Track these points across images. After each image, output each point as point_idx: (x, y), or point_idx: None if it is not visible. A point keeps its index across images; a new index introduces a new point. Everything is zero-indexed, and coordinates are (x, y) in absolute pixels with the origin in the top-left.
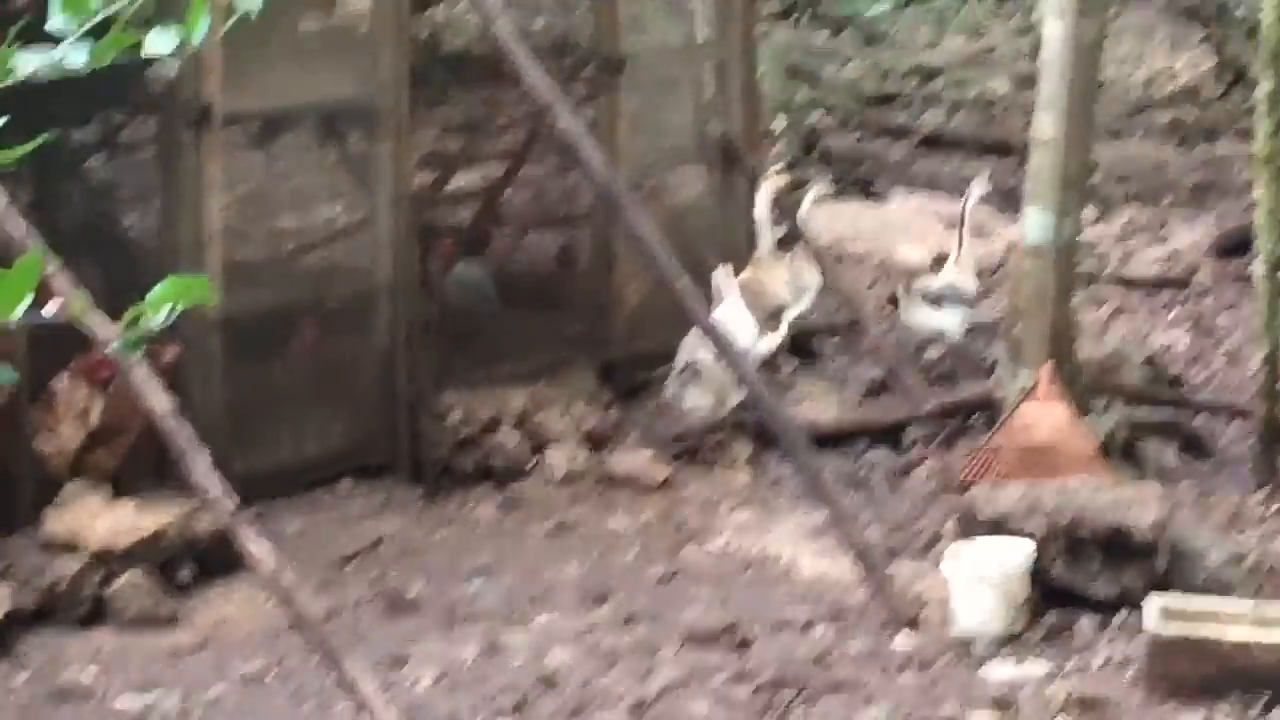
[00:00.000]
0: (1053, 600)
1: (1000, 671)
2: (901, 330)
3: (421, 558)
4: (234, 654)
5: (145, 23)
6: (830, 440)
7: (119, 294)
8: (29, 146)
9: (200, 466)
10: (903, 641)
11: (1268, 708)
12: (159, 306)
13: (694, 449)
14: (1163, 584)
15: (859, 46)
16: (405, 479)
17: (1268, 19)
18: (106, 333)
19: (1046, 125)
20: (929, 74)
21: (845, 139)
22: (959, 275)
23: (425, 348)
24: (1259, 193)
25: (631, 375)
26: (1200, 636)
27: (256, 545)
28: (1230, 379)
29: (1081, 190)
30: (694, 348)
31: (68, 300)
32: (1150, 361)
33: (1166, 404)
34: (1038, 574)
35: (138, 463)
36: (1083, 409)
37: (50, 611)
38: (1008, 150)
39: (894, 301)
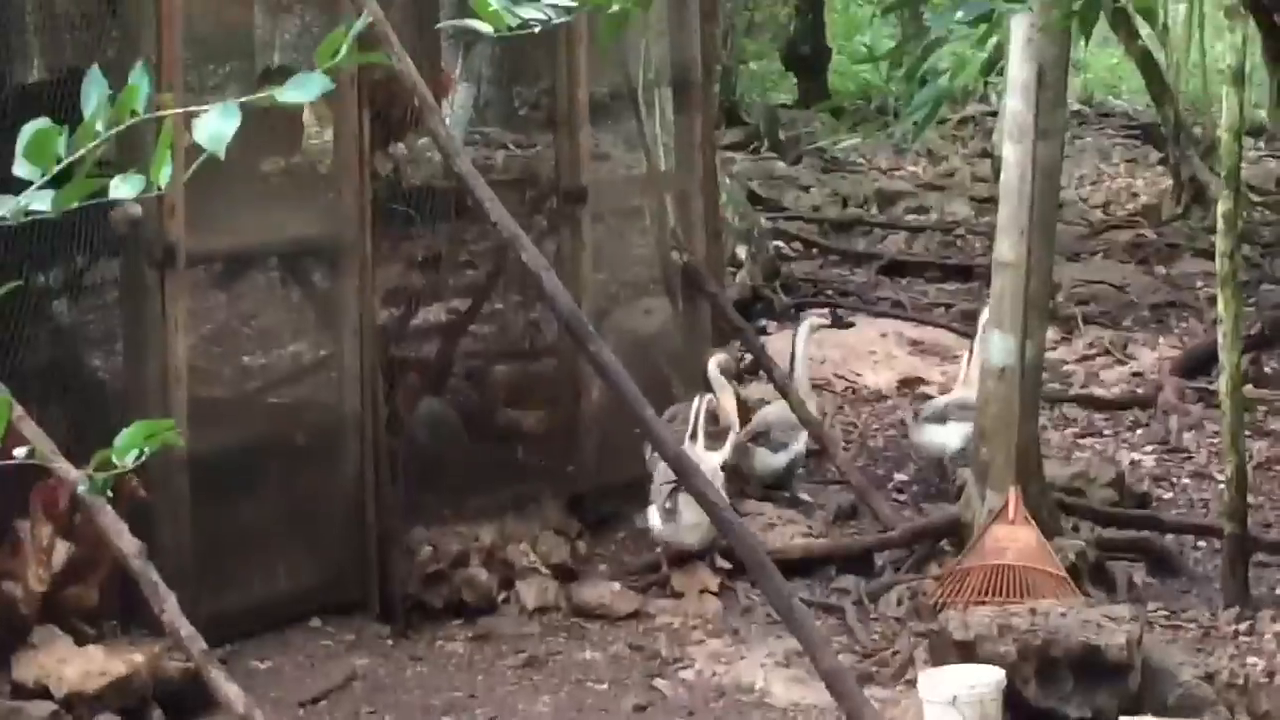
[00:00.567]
0: None
1: None
2: (913, 450)
3: (393, 695)
4: None
5: (105, 164)
6: (800, 566)
7: (85, 435)
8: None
9: (170, 607)
10: None
11: None
12: (126, 451)
13: (665, 579)
14: (1135, 703)
15: (817, 174)
16: (375, 615)
17: (1226, 139)
18: (72, 475)
19: (1007, 249)
20: (889, 199)
21: (807, 265)
22: (967, 391)
23: (393, 483)
24: (1221, 310)
25: (599, 506)
26: None
27: (227, 686)
28: (1198, 497)
29: (1044, 312)
30: (668, 470)
31: (34, 443)
32: (1118, 481)
33: (1135, 523)
34: (1010, 696)
35: (107, 601)
36: (1052, 529)
37: None
38: (969, 274)
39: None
